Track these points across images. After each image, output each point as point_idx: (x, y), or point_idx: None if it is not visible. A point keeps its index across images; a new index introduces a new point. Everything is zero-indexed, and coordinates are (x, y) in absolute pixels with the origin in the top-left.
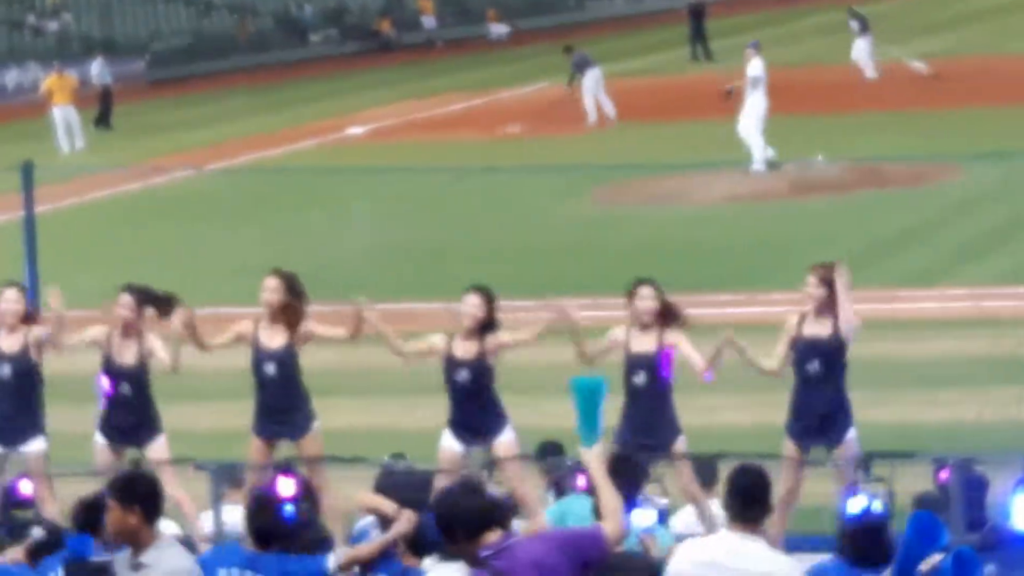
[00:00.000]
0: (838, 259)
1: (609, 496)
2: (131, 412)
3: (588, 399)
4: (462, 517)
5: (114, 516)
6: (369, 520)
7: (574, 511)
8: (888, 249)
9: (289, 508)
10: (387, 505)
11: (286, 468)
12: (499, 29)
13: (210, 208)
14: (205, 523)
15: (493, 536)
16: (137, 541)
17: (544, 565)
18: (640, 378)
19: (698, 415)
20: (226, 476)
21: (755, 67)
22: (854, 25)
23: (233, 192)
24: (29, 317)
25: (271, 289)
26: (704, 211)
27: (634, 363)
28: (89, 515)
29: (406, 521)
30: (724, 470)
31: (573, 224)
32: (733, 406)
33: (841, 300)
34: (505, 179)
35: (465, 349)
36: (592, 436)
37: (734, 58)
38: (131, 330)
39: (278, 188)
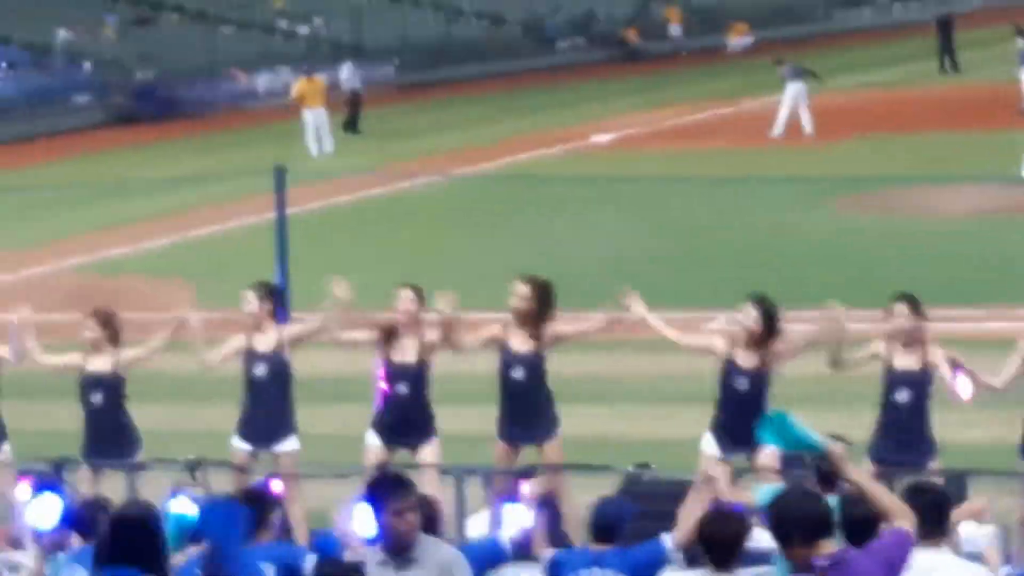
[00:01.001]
0: None
1: (883, 493)
2: (407, 412)
3: (787, 438)
4: (802, 522)
5: (416, 516)
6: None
7: None
8: None
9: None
10: None
11: (528, 474)
12: (741, 41)
13: (456, 213)
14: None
15: (828, 546)
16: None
17: None
18: (903, 395)
19: (946, 430)
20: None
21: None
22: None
23: (479, 198)
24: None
25: (521, 296)
26: (950, 225)
27: (896, 380)
28: None
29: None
30: (972, 488)
31: (818, 234)
32: (981, 422)
33: None
34: (748, 188)
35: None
36: (816, 451)
37: (982, 70)
38: (409, 328)
39: (524, 194)
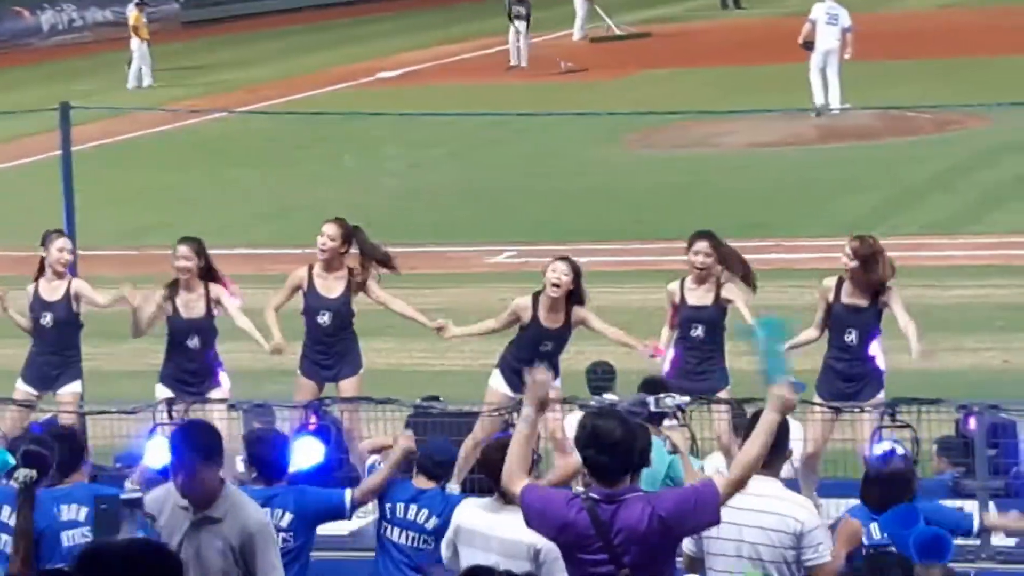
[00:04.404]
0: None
1: (755, 449)
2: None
3: (769, 337)
4: (617, 452)
5: (209, 476)
6: (377, 458)
7: None
8: (915, 197)
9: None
10: (385, 439)
11: (315, 408)
12: None
13: (242, 150)
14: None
15: (625, 482)
16: (215, 496)
17: (640, 532)
18: (697, 331)
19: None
20: (258, 416)
21: (813, 11)
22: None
23: (265, 134)
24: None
25: (329, 236)
26: (732, 157)
27: (691, 318)
28: None
29: (405, 440)
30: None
31: (604, 169)
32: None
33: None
34: (536, 124)
35: (553, 320)
36: (773, 375)
37: (764, 6)
38: (192, 282)
39: (310, 131)
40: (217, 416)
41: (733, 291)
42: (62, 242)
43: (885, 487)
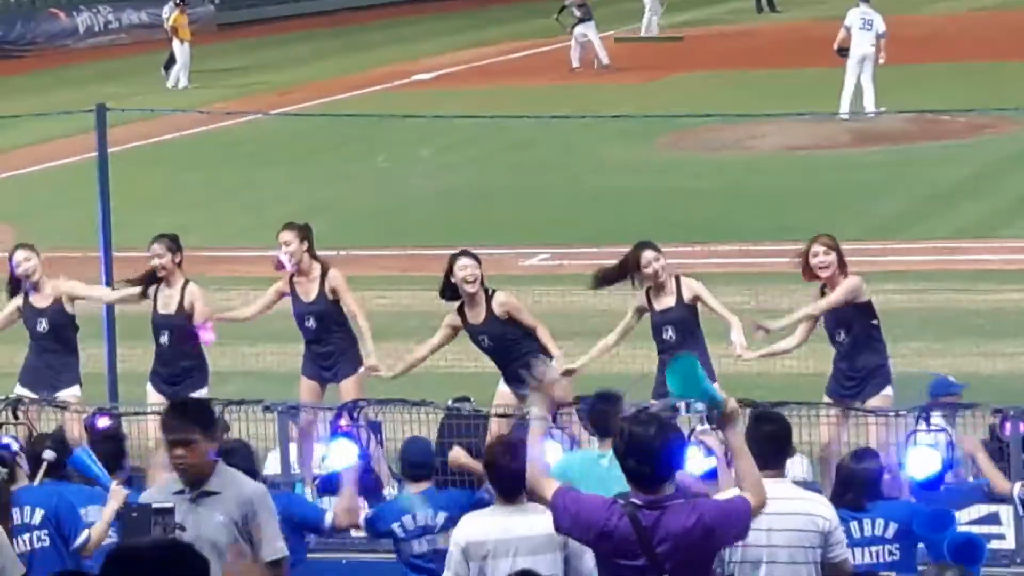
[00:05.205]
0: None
1: (748, 463)
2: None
3: (685, 381)
4: (659, 460)
5: (201, 450)
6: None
7: (574, 467)
8: (947, 201)
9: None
10: (476, 465)
11: (351, 409)
12: None
13: (275, 152)
14: (273, 463)
15: (667, 489)
16: (210, 472)
17: (685, 539)
18: (669, 333)
19: (757, 363)
20: (292, 417)
21: (848, 17)
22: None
23: (299, 136)
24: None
25: (285, 241)
26: (764, 160)
27: (660, 321)
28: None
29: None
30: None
31: (635, 171)
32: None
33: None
34: (568, 125)
35: (476, 315)
36: (716, 399)
37: (798, 10)
38: (170, 278)
39: (343, 133)
40: None
41: (694, 285)
42: (18, 255)
43: (858, 485)
